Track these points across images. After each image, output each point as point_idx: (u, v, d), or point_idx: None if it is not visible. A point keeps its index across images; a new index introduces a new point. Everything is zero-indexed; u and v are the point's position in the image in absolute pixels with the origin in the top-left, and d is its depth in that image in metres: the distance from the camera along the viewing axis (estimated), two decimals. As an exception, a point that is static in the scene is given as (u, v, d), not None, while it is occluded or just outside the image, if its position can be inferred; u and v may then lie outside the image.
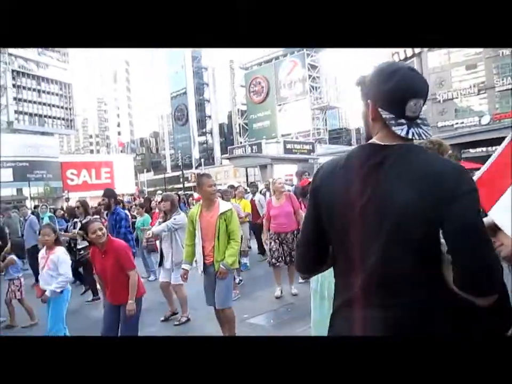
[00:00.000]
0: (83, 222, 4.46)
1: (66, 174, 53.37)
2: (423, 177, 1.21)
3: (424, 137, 1.31)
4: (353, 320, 1.30)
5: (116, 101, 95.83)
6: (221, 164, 61.32)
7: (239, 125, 59.73)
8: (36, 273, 9.24)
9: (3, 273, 6.20)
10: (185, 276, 4.65)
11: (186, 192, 24.78)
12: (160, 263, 5.78)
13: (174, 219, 5.64)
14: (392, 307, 1.24)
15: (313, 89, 54.24)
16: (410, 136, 1.30)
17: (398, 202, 1.21)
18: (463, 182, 1.21)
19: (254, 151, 33.89)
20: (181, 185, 50.25)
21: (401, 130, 1.30)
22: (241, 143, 54.16)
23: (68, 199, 33.66)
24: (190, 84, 68.63)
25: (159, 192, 20.26)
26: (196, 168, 63.45)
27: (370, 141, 1.36)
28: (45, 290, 4.33)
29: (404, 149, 1.29)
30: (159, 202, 7.83)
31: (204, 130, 71.18)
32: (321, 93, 55.41)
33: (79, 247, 7.34)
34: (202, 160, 61.80)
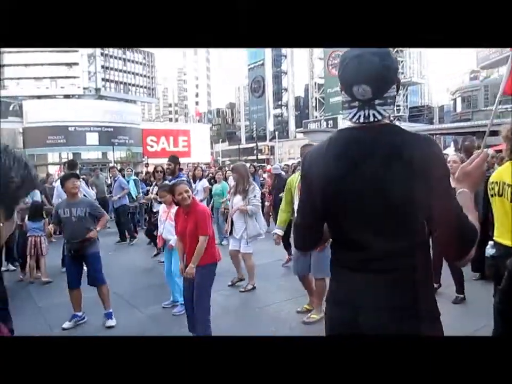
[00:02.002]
0: (170, 183, 4.69)
1: (146, 140, 55.79)
2: (395, 154, 1.31)
3: (373, 119, 1.39)
4: (348, 294, 1.43)
5: (195, 71, 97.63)
6: (295, 137, 60.81)
7: (316, 98, 58.52)
8: (121, 231, 10.00)
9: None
10: (277, 240, 4.83)
11: (260, 164, 25.01)
12: (231, 232, 5.97)
13: (254, 196, 5.76)
14: (385, 281, 1.35)
15: (395, 63, 51.32)
16: (354, 119, 1.42)
17: (379, 180, 1.32)
18: (432, 152, 1.32)
19: (329, 126, 33.27)
20: (254, 157, 50.72)
21: (348, 114, 1.44)
22: (316, 117, 53.29)
23: (147, 165, 35.19)
24: (268, 56, 68.01)
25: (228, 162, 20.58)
26: (270, 140, 63.56)
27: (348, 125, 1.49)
28: (166, 241, 5.32)
29: (377, 129, 1.39)
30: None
31: (280, 103, 70.59)
32: (404, 67, 52.59)
33: (154, 210, 7.76)
34: (276, 133, 61.60)
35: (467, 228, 1.34)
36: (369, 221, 1.37)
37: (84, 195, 6.51)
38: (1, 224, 0.89)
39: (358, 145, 1.39)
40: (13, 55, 49.20)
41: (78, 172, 7.27)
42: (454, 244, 1.35)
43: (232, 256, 5.98)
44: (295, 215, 4.52)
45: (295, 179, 4.71)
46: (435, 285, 4.76)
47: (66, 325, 4.69)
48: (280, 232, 4.83)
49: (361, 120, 1.41)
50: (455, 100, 43.20)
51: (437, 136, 31.77)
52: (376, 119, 1.40)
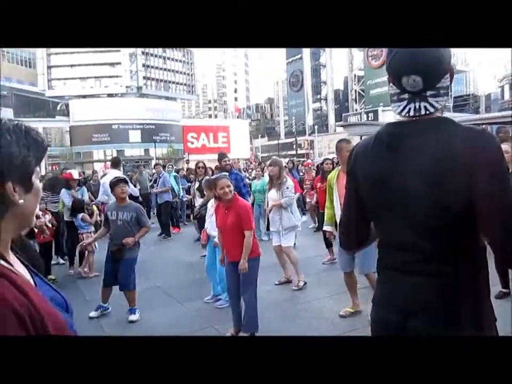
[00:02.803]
0: (212, 177, 4.75)
1: (187, 137, 56.75)
2: (449, 149, 1.22)
3: (425, 111, 1.31)
4: (395, 296, 1.36)
5: (234, 67, 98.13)
6: (335, 131, 60.06)
7: (355, 91, 57.49)
8: (163, 225, 10.21)
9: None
10: (330, 237, 4.88)
11: (299, 159, 24.90)
12: (268, 227, 5.98)
13: (287, 188, 5.75)
14: (435, 285, 1.27)
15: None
16: (404, 113, 1.34)
17: (430, 175, 1.23)
18: (490, 147, 1.22)
19: (370, 119, 32.64)
20: (293, 152, 50.52)
21: (397, 107, 1.37)
22: (356, 110, 52.38)
23: (188, 161, 35.81)
24: (306, 49, 67.46)
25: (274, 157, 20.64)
26: (309, 135, 63.09)
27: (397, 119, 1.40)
28: (210, 236, 5.31)
29: (428, 123, 1.31)
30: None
31: (319, 96, 69.86)
32: (449, 55, 50.65)
33: (196, 204, 7.87)
34: (316, 127, 61.09)
35: None
36: (419, 221, 1.28)
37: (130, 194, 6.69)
38: (22, 201, 0.86)
39: (408, 141, 1.30)
40: (60, 57, 51.13)
41: (122, 168, 7.47)
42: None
43: (276, 252, 5.94)
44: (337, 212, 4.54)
45: (334, 175, 4.68)
46: (504, 290, 4.53)
47: (93, 314, 4.97)
48: (330, 229, 4.81)
49: (412, 113, 1.33)
50: (502, 87, 41.32)
51: (484, 126, 30.50)
52: (428, 112, 1.32)
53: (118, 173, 7.77)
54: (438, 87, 1.32)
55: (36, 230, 5.91)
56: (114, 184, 5.04)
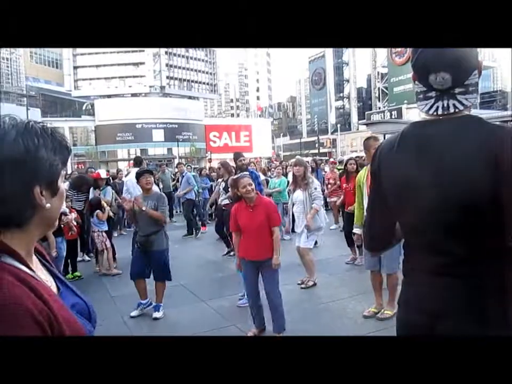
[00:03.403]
0: (234, 177, 4.74)
1: (209, 136, 57.10)
2: (479, 149, 1.18)
3: (454, 109, 1.27)
4: (423, 298, 1.33)
5: (256, 65, 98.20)
6: (358, 129, 59.52)
7: (379, 89, 56.83)
8: (189, 223, 10.30)
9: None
10: (359, 239, 4.86)
11: (321, 158, 24.76)
12: (293, 229, 5.91)
13: (315, 188, 5.71)
14: (463, 278, 1.24)
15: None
16: (431, 111, 1.30)
17: (459, 175, 1.20)
18: None
19: (393, 117, 32.18)
20: (316, 150, 50.26)
21: (424, 106, 1.32)
22: (379, 108, 51.77)
23: (210, 160, 36.02)
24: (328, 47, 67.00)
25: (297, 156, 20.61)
26: (332, 133, 62.66)
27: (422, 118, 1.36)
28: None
29: (456, 121, 1.27)
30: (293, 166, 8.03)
31: (341, 94, 69.30)
32: (475, 52, 49.51)
33: (221, 203, 7.89)
34: (338, 125, 60.63)
35: None
36: (449, 222, 1.24)
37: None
38: (49, 205, 0.86)
39: (436, 140, 1.26)
40: (85, 57, 52.15)
41: (145, 167, 7.57)
42: None
43: (299, 252, 5.84)
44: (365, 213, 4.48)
45: (363, 174, 4.60)
46: None
47: (134, 313, 4.93)
48: (358, 231, 4.75)
49: (440, 111, 1.29)
50: (532, 84, 40.10)
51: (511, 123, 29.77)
52: (456, 110, 1.28)
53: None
54: (467, 84, 1.28)
55: (63, 227, 6.04)
56: (139, 175, 5.09)
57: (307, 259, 5.75)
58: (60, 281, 0.97)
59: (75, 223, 6.50)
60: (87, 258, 7.95)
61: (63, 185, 0.93)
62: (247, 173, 5.26)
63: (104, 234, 6.94)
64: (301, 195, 5.71)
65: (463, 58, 1.25)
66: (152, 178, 5.22)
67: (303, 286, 5.70)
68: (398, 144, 1.35)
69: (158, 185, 11.99)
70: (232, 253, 7.28)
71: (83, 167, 38.19)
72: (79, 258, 7.40)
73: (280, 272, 4.16)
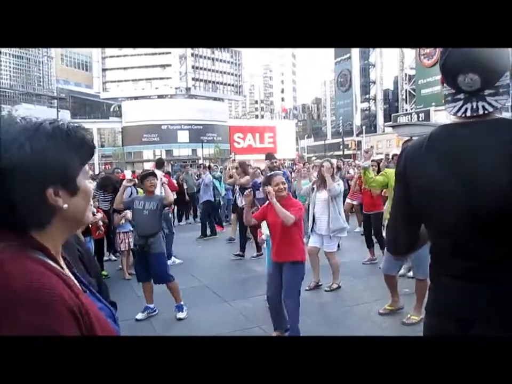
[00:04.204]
0: (267, 175, 4.74)
1: (233, 137, 57.33)
2: (509, 150, 1.16)
3: (482, 111, 1.24)
4: (451, 304, 1.30)
5: (281, 67, 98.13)
6: (383, 131, 58.78)
7: (406, 90, 55.94)
8: (204, 225, 10.32)
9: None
10: None
11: (346, 160, 24.53)
12: (312, 228, 5.85)
13: (338, 184, 5.66)
14: (493, 284, 1.21)
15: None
16: (460, 113, 1.28)
17: (490, 179, 1.18)
18: None
19: (421, 119, 31.64)
20: (340, 152, 49.85)
21: (452, 108, 1.30)
22: (406, 110, 50.97)
23: (234, 161, 36.05)
24: (355, 49, 66.37)
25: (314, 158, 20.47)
26: (357, 135, 62.05)
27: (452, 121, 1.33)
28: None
29: (486, 124, 1.25)
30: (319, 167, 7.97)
31: (367, 96, 68.51)
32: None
33: (239, 205, 7.92)
34: (363, 127, 59.98)
35: None
36: (478, 227, 1.22)
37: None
38: (66, 205, 0.84)
39: (465, 143, 1.24)
40: (114, 60, 53.13)
41: (170, 169, 7.64)
42: None
43: (310, 253, 5.62)
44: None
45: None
46: None
47: (140, 316, 4.91)
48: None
49: (468, 113, 1.27)
50: None
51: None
52: (486, 112, 1.25)
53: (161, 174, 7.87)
54: (497, 85, 1.25)
55: (91, 226, 6.16)
56: (143, 177, 5.17)
57: (333, 262, 5.69)
58: (85, 286, 0.97)
59: (102, 223, 6.63)
60: (113, 257, 8.09)
61: (88, 184, 0.92)
62: (281, 171, 5.26)
63: (130, 235, 7.03)
64: (325, 195, 5.63)
65: (492, 59, 1.22)
66: (156, 181, 5.27)
67: (327, 289, 5.66)
68: (426, 146, 1.33)
69: (182, 186, 12.11)
70: (260, 255, 7.22)
71: (110, 167, 38.86)
72: (105, 258, 7.53)
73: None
